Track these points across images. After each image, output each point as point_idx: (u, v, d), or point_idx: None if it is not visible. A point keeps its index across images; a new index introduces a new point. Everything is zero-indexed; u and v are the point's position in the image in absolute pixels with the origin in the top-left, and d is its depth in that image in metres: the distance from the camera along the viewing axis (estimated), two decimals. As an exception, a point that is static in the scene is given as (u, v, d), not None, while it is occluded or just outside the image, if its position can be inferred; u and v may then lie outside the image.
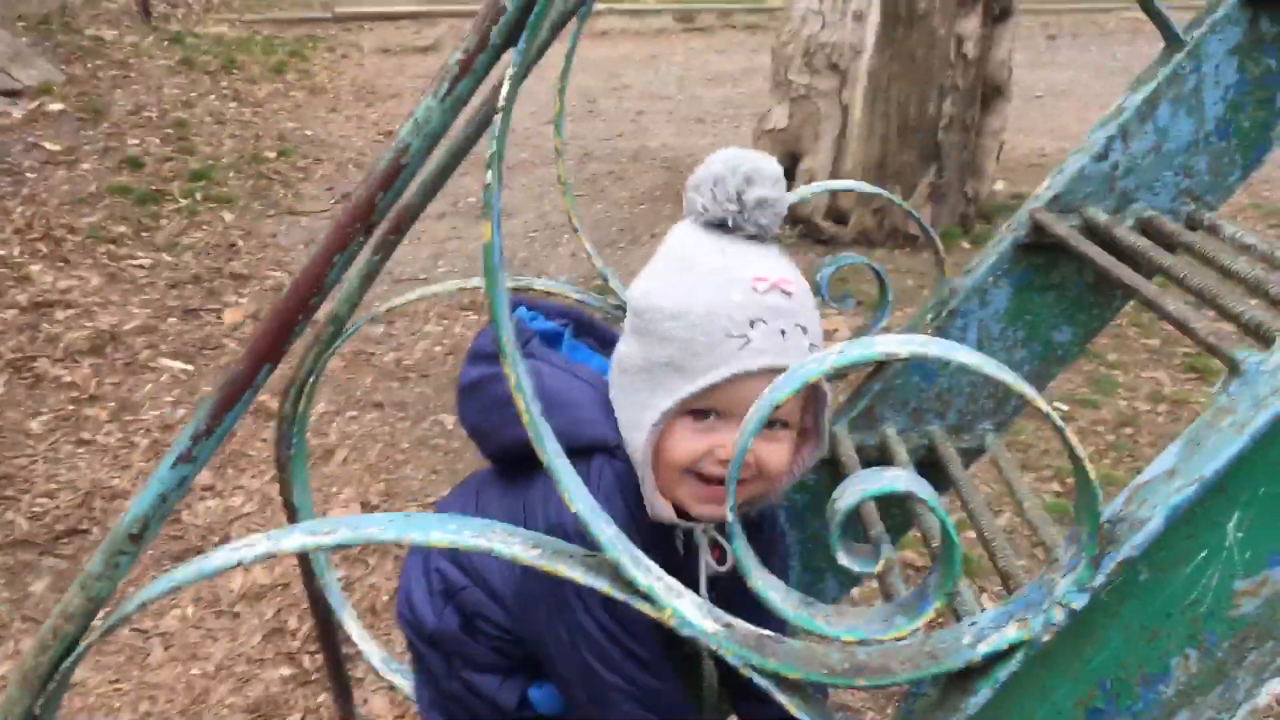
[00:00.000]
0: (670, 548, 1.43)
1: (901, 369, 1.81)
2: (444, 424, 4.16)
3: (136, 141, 6.93)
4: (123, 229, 5.64)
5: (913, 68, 5.65)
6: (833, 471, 1.84)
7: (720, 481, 1.34)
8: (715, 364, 1.29)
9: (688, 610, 1.07)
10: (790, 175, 6.04)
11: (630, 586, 1.06)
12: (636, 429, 1.36)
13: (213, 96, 8.37)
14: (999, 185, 6.65)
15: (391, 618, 3.14)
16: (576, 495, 1.04)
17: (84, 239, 5.44)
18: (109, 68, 8.48)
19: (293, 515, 1.96)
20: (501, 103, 0.95)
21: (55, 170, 6.26)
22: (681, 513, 1.39)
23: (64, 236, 5.41)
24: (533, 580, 1.42)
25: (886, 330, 1.81)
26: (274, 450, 1.96)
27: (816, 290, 1.76)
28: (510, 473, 1.56)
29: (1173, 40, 1.69)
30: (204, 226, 5.86)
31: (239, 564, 1.07)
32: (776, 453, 1.37)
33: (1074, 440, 1.01)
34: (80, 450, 3.82)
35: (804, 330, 1.33)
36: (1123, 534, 1.06)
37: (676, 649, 1.53)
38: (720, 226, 1.37)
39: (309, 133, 7.94)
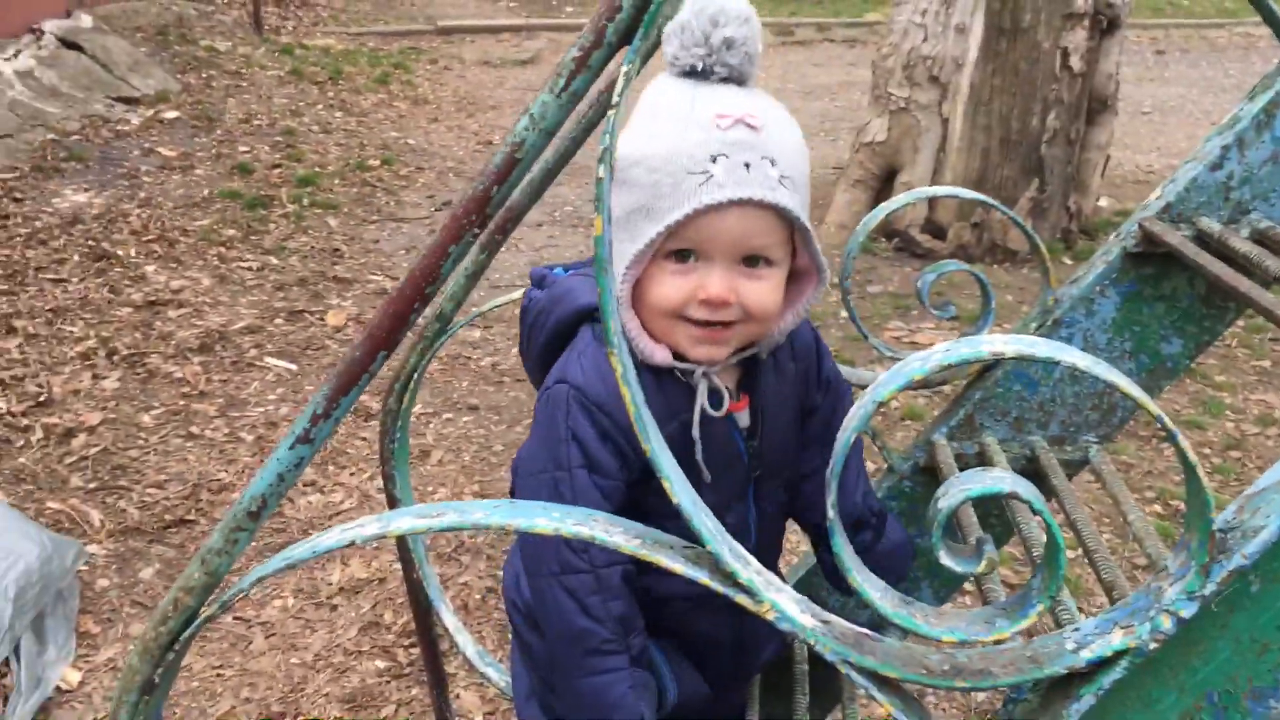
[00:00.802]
0: (675, 390, 1.44)
1: (1003, 377, 1.79)
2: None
3: (247, 149, 7.15)
4: (233, 232, 5.82)
5: (1016, 80, 5.58)
6: (931, 479, 1.83)
7: (707, 324, 1.37)
8: (679, 202, 1.31)
9: (787, 605, 1.08)
10: (888, 188, 6.00)
11: (730, 579, 1.07)
12: (617, 277, 1.39)
13: (320, 106, 8.60)
14: (1103, 201, 6.52)
15: (484, 615, 3.19)
16: (678, 488, 1.06)
17: (196, 241, 5.63)
18: (222, 77, 8.77)
19: (394, 508, 2.00)
20: (616, 99, 0.97)
21: (170, 175, 6.49)
22: (680, 356, 1.41)
23: (177, 239, 5.60)
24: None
25: (988, 339, 1.79)
26: (379, 444, 2.01)
27: (918, 298, 1.76)
28: None
29: (1293, 47, 1.65)
30: (310, 231, 6.02)
31: (351, 543, 1.10)
32: (759, 290, 1.37)
33: (1186, 445, 0.99)
34: (189, 444, 3.95)
35: (772, 162, 1.33)
36: (1234, 543, 1.04)
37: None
38: (692, 74, 1.37)
39: (411, 142, 8.10)
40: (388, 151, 7.67)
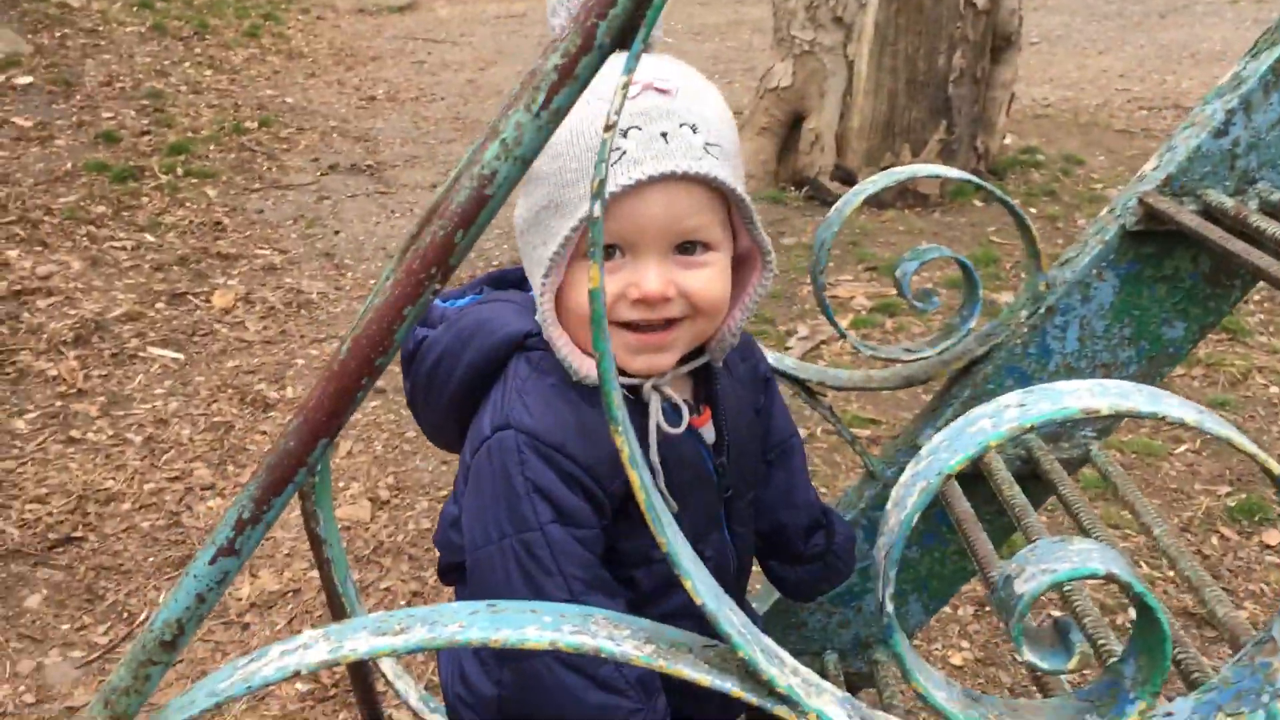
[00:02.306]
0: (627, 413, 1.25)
1: (993, 373, 1.63)
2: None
3: (111, 115, 6.66)
4: (102, 209, 5.39)
5: (920, 19, 5.43)
6: (918, 487, 1.67)
7: (645, 328, 1.19)
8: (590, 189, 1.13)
9: (833, 712, 0.90)
10: (795, 135, 5.84)
11: (767, 687, 0.89)
12: (535, 290, 1.21)
13: (187, 64, 8.08)
14: (1008, 140, 6.45)
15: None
16: (700, 588, 0.87)
17: (62, 220, 5.20)
18: (77, 36, 8.16)
19: (318, 548, 1.77)
20: (611, 117, 0.76)
21: (28, 148, 6.00)
22: (621, 371, 1.23)
23: (41, 219, 5.17)
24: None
25: (973, 331, 1.63)
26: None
27: (899, 289, 1.58)
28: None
29: (1298, -1, 1.50)
30: (187, 204, 5.62)
31: (296, 673, 0.89)
32: (701, 279, 1.19)
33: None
34: (70, 450, 3.62)
35: (693, 129, 1.15)
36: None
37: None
38: None
39: (289, 100, 7.67)
40: (265, 112, 7.23)
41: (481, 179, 0.79)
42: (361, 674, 2.14)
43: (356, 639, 0.88)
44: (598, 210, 0.77)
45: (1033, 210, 5.70)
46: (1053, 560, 0.86)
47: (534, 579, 1.18)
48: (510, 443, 1.20)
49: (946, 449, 0.86)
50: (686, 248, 1.18)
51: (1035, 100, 7.89)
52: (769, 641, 0.92)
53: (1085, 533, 1.45)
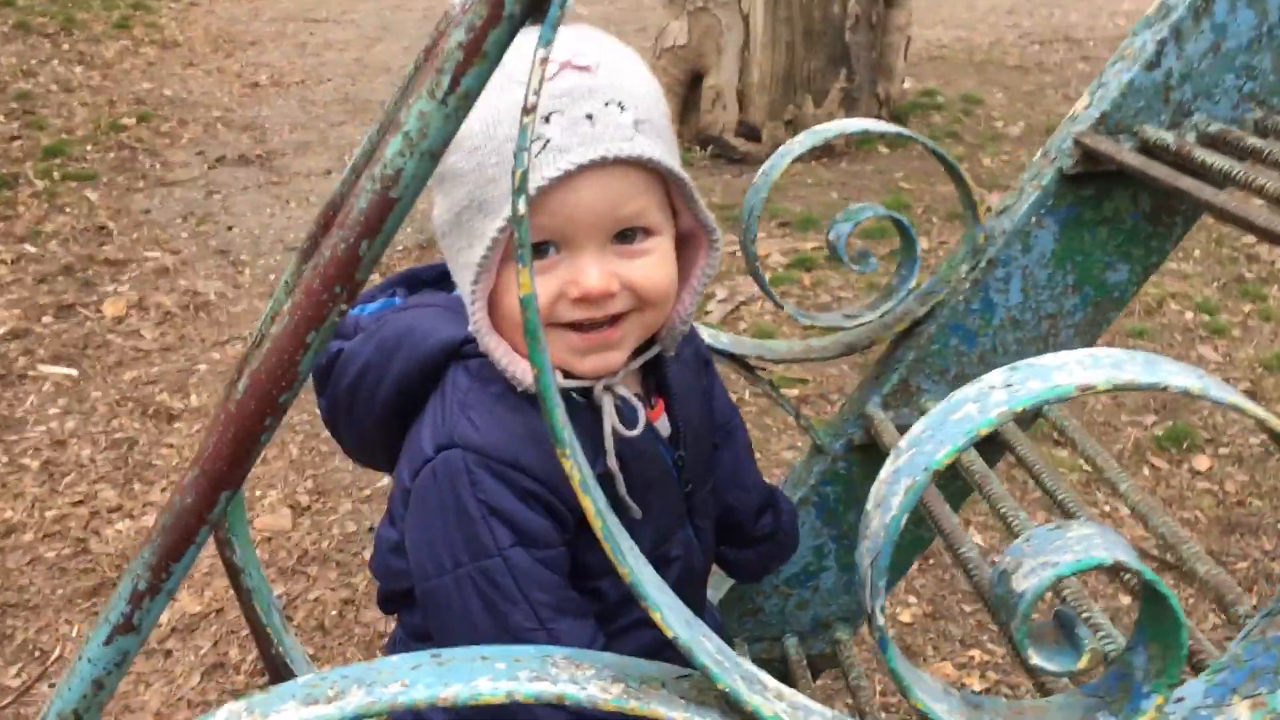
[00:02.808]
0: (577, 417, 1.14)
1: (937, 332, 1.56)
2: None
3: (-22, 121, 6.31)
4: (-25, 222, 5.10)
5: (813, -32, 5.36)
6: (869, 457, 1.60)
7: (590, 327, 1.09)
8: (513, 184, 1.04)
9: (826, 740, 0.82)
10: (696, 93, 5.74)
11: (750, 718, 0.80)
12: (465, 297, 1.10)
13: (55, 62, 7.68)
14: (907, 84, 6.43)
15: (344, 633, 2.85)
16: (670, 618, 0.77)
17: (-67, 238, 4.90)
18: (-66, 40, 7.74)
19: (236, 578, 1.65)
20: (530, 99, 0.66)
21: (-111, 163, 5.65)
22: (568, 374, 1.13)
23: (-91, 236, 4.87)
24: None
25: (913, 290, 1.56)
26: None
27: (833, 253, 1.50)
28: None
29: (1222, -80, 1.44)
30: (67, 210, 5.33)
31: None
32: (645, 267, 1.10)
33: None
34: (-38, 483, 3.40)
35: (620, 106, 1.05)
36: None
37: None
38: None
39: (167, 92, 7.34)
40: (143, 106, 6.91)
41: (385, 179, 0.68)
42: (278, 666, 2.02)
43: (283, 712, 0.77)
44: (522, 207, 0.66)
45: (937, 153, 5.69)
46: (1052, 552, 0.78)
47: (497, 608, 1.08)
48: (458, 462, 1.09)
49: (931, 439, 0.77)
50: (625, 236, 1.09)
51: (929, 42, 7.89)
52: (749, 666, 0.83)
53: (1060, 506, 1.38)
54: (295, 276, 1.43)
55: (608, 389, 1.14)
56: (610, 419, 1.14)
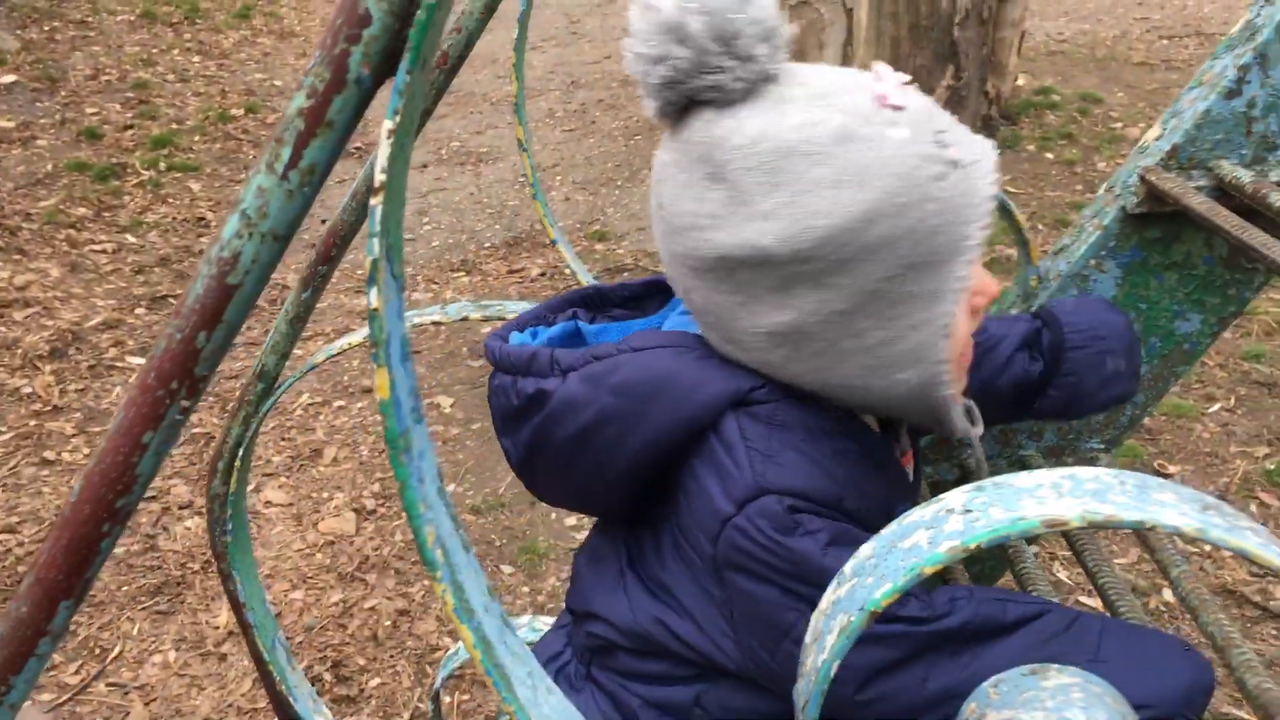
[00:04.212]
0: (860, 433, 1.07)
1: (982, 382, 1.42)
2: (440, 407, 3.79)
3: (95, 110, 6.49)
4: (83, 210, 5.23)
5: (921, -40, 5.15)
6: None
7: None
8: (963, 215, 0.94)
9: None
10: (795, 90, 5.58)
11: None
12: (902, 369, 0.99)
13: (175, 51, 7.88)
14: (1020, 80, 6.15)
15: (397, 646, 2.81)
16: None
17: (41, 226, 5.04)
18: (66, 29, 7.98)
19: (239, 612, 1.60)
20: (380, 175, 0.56)
21: (9, 150, 5.83)
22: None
23: (19, 225, 5.01)
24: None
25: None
26: (209, 537, 1.60)
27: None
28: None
29: (1320, -71, 1.27)
30: (169, 200, 5.44)
31: None
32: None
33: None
34: (44, 472, 3.47)
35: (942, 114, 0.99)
36: None
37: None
38: (727, 96, 0.97)
39: (278, 84, 7.46)
40: (253, 98, 7.03)
41: (221, 263, 0.59)
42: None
43: None
44: (375, 298, 0.57)
45: (1049, 155, 5.43)
46: (1020, 706, 0.66)
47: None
48: (773, 506, 0.97)
49: (874, 570, 0.66)
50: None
51: (1049, 35, 7.56)
52: None
53: (1101, 591, 1.23)
54: (295, 306, 1.37)
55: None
56: (978, 428, 1.10)
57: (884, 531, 0.68)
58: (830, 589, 0.68)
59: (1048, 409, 1.28)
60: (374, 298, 0.58)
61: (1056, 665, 0.70)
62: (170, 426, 0.63)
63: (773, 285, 0.96)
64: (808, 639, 0.69)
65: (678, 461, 1.04)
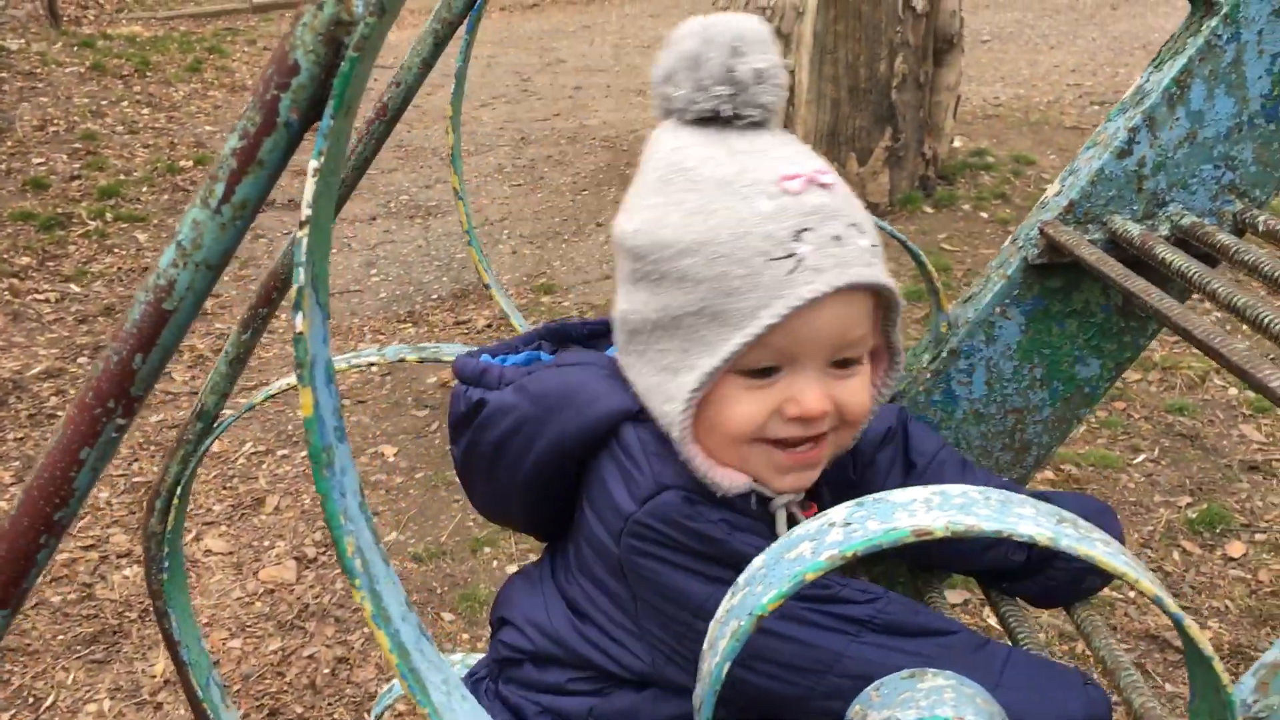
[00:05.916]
0: (741, 508, 1.11)
1: (896, 424, 1.49)
2: (384, 456, 3.81)
3: (41, 160, 6.49)
4: (26, 260, 5.22)
5: (859, 26, 5.32)
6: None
7: (796, 445, 1.05)
8: (765, 300, 0.98)
9: None
10: (739, 149, 5.71)
11: None
12: (667, 400, 1.05)
13: (125, 103, 7.91)
14: (957, 142, 6.34)
15: (335, 693, 2.81)
16: None
17: (-16, 275, 5.03)
18: (14, 80, 8.00)
19: (174, 650, 1.62)
20: (306, 209, 0.62)
21: (-48, 200, 5.82)
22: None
23: (-39, 275, 4.99)
24: None
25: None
26: (144, 574, 1.62)
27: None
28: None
29: (1200, 3, 1.37)
30: (115, 250, 5.45)
31: None
32: (856, 391, 1.07)
33: (1197, 633, 0.69)
34: (-20, 521, 3.44)
35: (859, 229, 1.02)
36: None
37: None
38: (712, 121, 1.05)
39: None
40: (202, 150, 7.07)
41: (158, 290, 0.64)
42: None
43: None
44: (300, 345, 0.62)
45: (984, 214, 5.59)
46: (898, 705, 0.72)
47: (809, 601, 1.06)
48: (673, 499, 1.05)
49: (763, 579, 0.72)
50: (844, 362, 1.06)
51: (986, 100, 7.80)
52: None
53: (1011, 635, 1.30)
54: (236, 347, 1.42)
55: (784, 505, 1.12)
56: (781, 529, 1.11)
57: (774, 545, 0.73)
58: (725, 599, 0.74)
59: (1019, 593, 1.35)
60: (299, 322, 0.64)
61: (934, 669, 0.75)
62: (106, 443, 0.68)
63: (626, 275, 1.08)
64: (705, 646, 0.74)
65: (584, 471, 1.12)
